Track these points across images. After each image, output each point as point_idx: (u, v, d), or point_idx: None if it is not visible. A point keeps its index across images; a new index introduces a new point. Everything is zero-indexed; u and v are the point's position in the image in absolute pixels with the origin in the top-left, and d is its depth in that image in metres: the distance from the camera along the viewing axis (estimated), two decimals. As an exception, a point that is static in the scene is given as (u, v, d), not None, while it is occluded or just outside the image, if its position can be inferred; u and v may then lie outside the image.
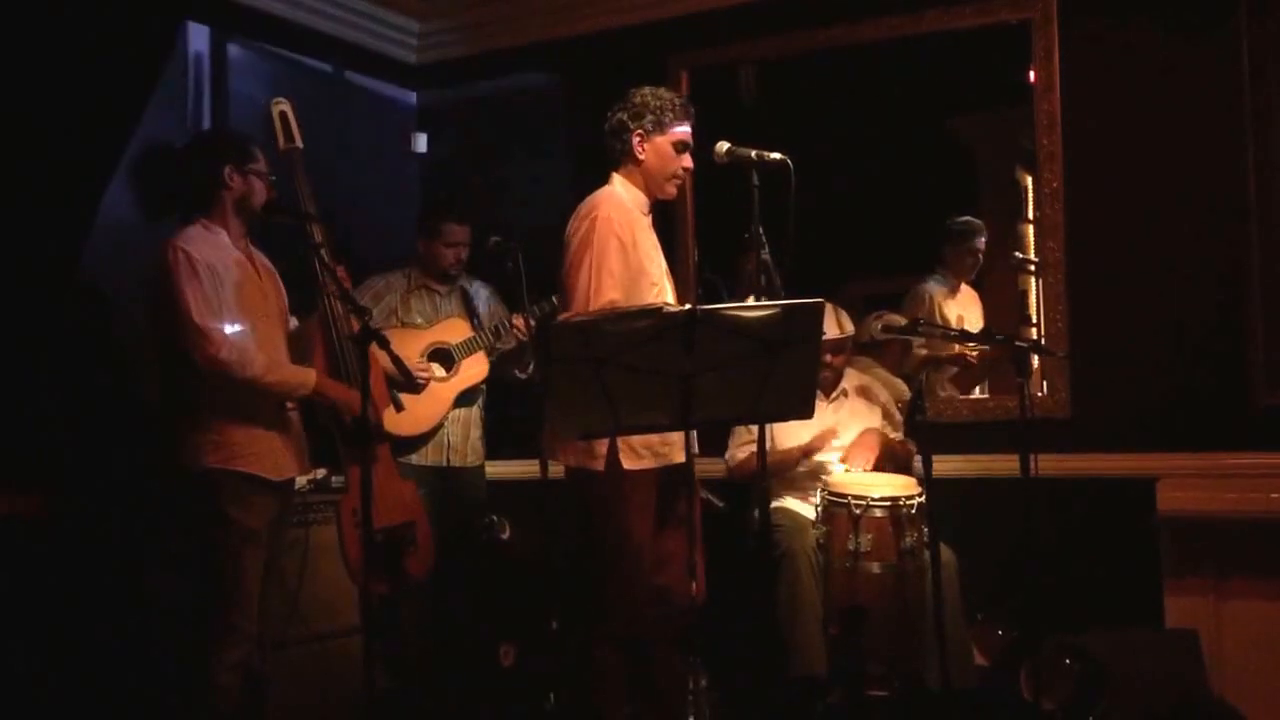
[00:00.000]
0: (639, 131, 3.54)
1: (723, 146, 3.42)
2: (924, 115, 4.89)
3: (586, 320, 2.82)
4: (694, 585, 3.12)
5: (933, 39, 4.62)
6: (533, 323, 4.19)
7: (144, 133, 3.91)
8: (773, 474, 4.26)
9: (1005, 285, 4.95)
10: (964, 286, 4.99)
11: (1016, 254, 4.84)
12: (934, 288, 4.94)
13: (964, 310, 4.97)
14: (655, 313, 2.82)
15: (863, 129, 4.92)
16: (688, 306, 2.84)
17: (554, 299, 4.09)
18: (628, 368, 2.78)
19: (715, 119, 4.77)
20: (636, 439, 3.38)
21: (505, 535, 4.66)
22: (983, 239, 4.91)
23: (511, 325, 4.45)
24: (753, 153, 3.33)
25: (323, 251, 3.59)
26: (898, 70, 4.79)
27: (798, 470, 4.28)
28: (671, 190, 3.63)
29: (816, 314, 2.90)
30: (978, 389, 4.92)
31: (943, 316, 4.87)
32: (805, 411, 2.97)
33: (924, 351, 4.89)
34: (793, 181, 3.25)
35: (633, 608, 3.42)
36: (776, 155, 3.30)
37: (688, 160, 3.60)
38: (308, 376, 3.52)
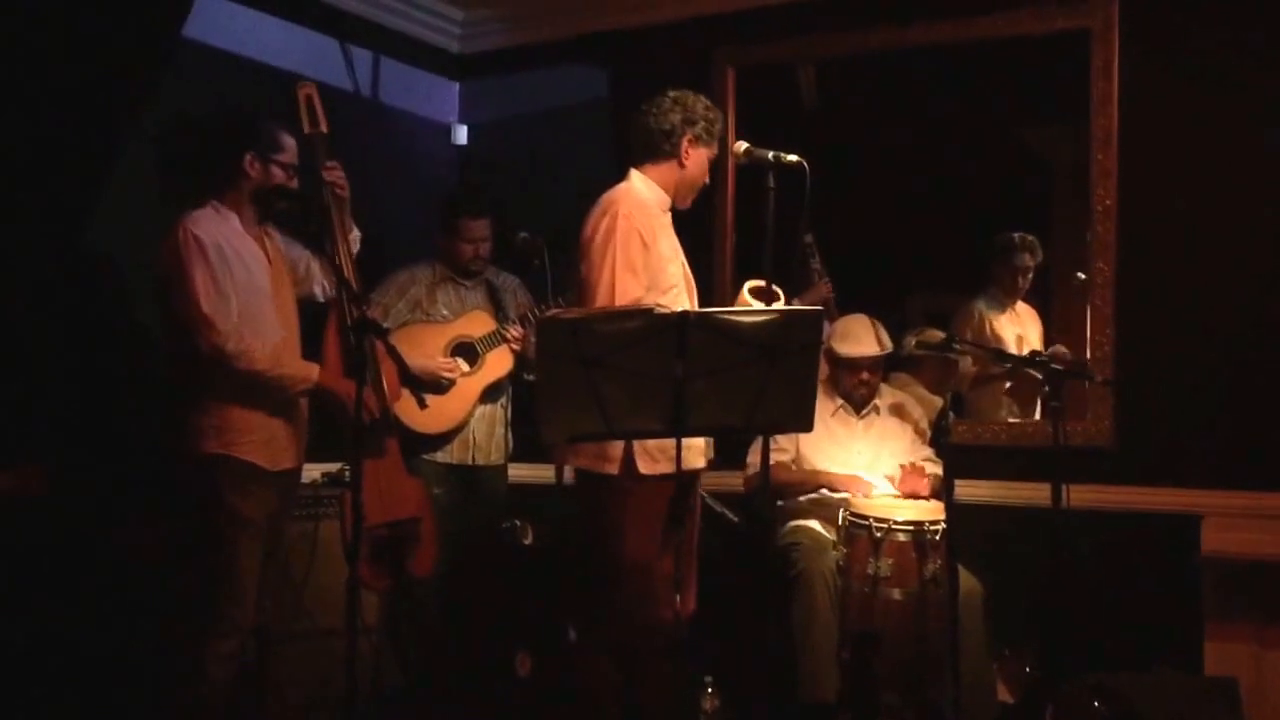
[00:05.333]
0: (690, 136, 3.46)
1: (740, 146, 3.34)
2: (997, 126, 4.74)
3: (577, 318, 2.73)
4: (678, 599, 2.98)
5: (1003, 47, 4.46)
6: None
7: (168, 105, 3.90)
8: (790, 493, 4.15)
9: (1073, 305, 4.75)
10: (1021, 305, 4.81)
11: (1079, 274, 4.64)
12: (983, 306, 4.77)
13: (1022, 329, 4.79)
14: (647, 313, 2.71)
15: (933, 138, 4.76)
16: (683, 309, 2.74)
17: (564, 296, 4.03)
18: (618, 369, 2.68)
19: (766, 118, 4.78)
20: (651, 443, 3.28)
21: (527, 541, 4.57)
22: (1029, 255, 4.71)
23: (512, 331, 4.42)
24: (770, 154, 3.24)
25: (325, 239, 3.53)
26: (970, 78, 4.64)
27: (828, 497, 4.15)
28: (691, 201, 3.56)
29: (816, 323, 2.78)
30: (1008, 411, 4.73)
31: (995, 335, 4.70)
32: (804, 424, 2.85)
33: (974, 369, 4.73)
34: (808, 185, 3.14)
35: (631, 617, 3.32)
36: (793, 157, 3.21)
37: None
38: (310, 371, 3.47)
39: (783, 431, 3.53)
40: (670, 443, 3.26)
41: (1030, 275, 4.71)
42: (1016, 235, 4.70)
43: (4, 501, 3.55)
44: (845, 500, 4.02)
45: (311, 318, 3.64)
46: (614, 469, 3.30)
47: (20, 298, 3.57)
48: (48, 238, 3.61)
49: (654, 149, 3.47)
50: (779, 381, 2.74)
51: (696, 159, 3.48)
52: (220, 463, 3.33)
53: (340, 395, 3.48)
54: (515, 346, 4.40)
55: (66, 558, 3.66)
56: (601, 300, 3.28)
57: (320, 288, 3.67)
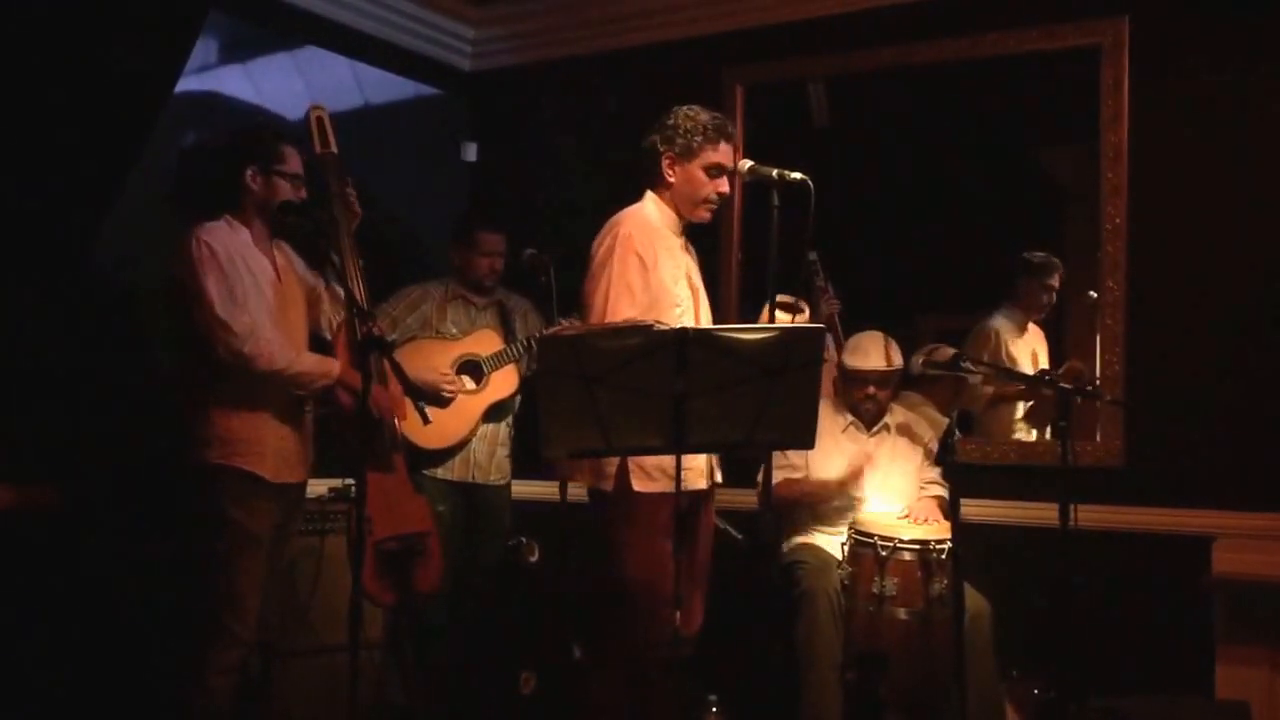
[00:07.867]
0: (669, 155, 3.45)
1: (745, 164, 3.34)
2: (1007, 144, 4.72)
3: (576, 334, 2.73)
4: (677, 615, 2.96)
5: (1013, 64, 4.43)
6: None
7: (177, 124, 3.93)
8: (805, 504, 4.14)
9: (1083, 324, 4.72)
10: (1032, 325, 4.77)
11: (1090, 293, 4.61)
12: (1000, 324, 4.72)
13: (1034, 348, 4.75)
14: (647, 330, 2.71)
15: (943, 155, 4.74)
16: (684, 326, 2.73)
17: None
18: (618, 386, 2.68)
19: (776, 137, 4.78)
20: (649, 460, 3.28)
21: (533, 559, 4.55)
22: (1059, 276, 4.66)
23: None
24: (774, 171, 3.23)
25: (335, 255, 3.53)
26: (981, 96, 4.62)
27: (832, 505, 4.13)
28: (703, 214, 3.51)
29: (816, 340, 2.77)
30: (1022, 432, 4.69)
31: (1010, 356, 4.65)
32: (806, 441, 2.84)
33: (989, 389, 4.69)
34: (812, 203, 3.13)
35: (638, 635, 3.30)
36: (797, 175, 3.19)
37: (723, 184, 3.46)
38: (331, 366, 3.48)
39: (784, 448, 3.50)
40: (668, 461, 3.24)
41: (1054, 296, 4.67)
42: (1049, 256, 4.64)
43: (17, 517, 3.58)
44: (851, 519, 4.00)
45: (317, 337, 3.66)
46: (609, 485, 3.31)
47: (29, 317, 3.59)
48: (56, 257, 3.64)
49: (646, 172, 3.50)
50: (780, 398, 2.74)
51: (683, 175, 3.44)
52: (222, 473, 3.33)
53: (359, 389, 3.42)
54: None
55: (78, 572, 3.68)
56: (596, 318, 3.30)
57: (329, 322, 3.67)
